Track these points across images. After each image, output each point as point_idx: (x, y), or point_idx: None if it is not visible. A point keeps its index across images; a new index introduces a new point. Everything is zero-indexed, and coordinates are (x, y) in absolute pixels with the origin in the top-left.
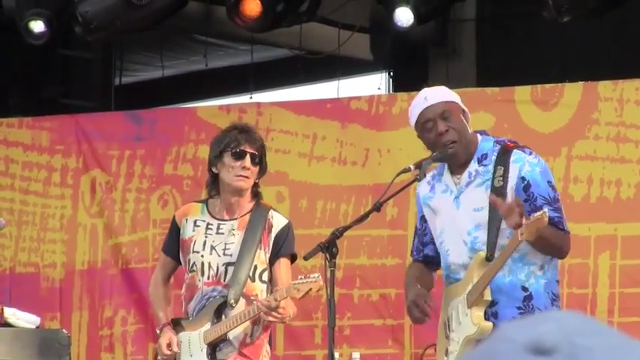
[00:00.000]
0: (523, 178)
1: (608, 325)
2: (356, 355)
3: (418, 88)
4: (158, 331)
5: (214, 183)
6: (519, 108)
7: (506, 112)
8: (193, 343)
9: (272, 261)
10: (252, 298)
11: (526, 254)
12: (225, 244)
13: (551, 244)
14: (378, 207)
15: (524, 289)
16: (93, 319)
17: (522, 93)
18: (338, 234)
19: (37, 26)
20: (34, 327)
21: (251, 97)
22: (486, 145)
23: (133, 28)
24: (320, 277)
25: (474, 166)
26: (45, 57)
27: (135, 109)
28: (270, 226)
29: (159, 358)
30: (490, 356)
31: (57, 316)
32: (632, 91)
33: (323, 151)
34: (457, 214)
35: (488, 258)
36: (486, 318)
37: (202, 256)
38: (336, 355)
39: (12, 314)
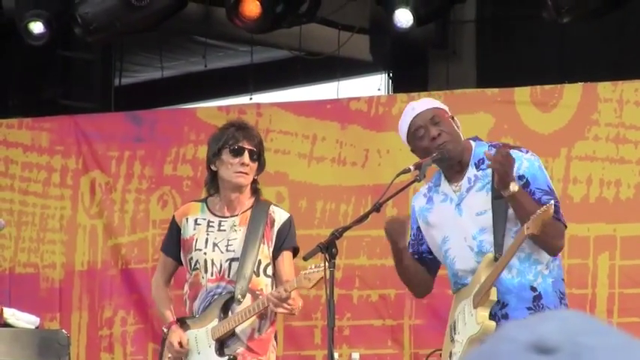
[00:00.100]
0: (522, 177)
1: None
2: (355, 355)
3: (418, 90)
4: (165, 330)
5: (213, 181)
6: (519, 109)
7: (506, 113)
8: (200, 340)
9: (275, 255)
10: (257, 292)
11: (531, 254)
12: (228, 240)
13: (552, 235)
14: (377, 207)
15: (533, 289)
16: (92, 319)
17: (522, 94)
18: (337, 234)
19: (37, 27)
20: (33, 327)
21: (251, 98)
22: (481, 149)
23: (133, 30)
24: (319, 270)
25: (472, 171)
26: (45, 58)
27: (134, 110)
28: (273, 221)
29: (169, 356)
30: (492, 356)
31: (56, 317)
32: (631, 92)
33: (323, 151)
34: (460, 220)
35: (497, 258)
36: (497, 320)
37: (205, 253)
38: (336, 355)
39: (11, 314)
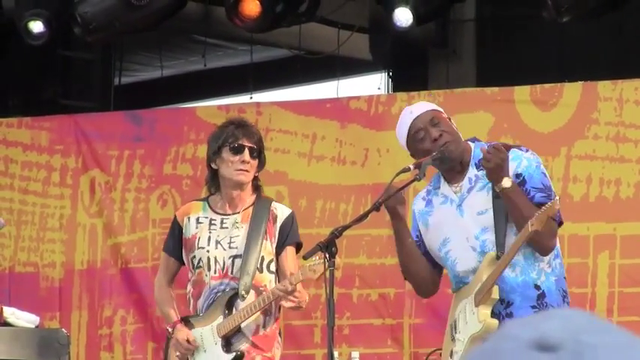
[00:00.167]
0: (518, 175)
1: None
2: (355, 354)
3: (418, 89)
4: (170, 330)
5: (214, 179)
6: (519, 108)
7: (506, 112)
8: (206, 338)
9: (278, 251)
10: (261, 288)
11: (533, 251)
12: (230, 237)
13: (547, 235)
14: (377, 206)
15: (537, 287)
16: (92, 318)
17: (522, 93)
18: (337, 233)
19: (37, 27)
20: (33, 326)
21: (251, 97)
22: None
23: (133, 29)
24: (318, 263)
25: (472, 171)
26: (44, 57)
27: (134, 110)
28: (275, 217)
29: (177, 354)
30: (495, 354)
31: (56, 316)
32: (631, 91)
33: (322, 150)
34: (462, 221)
35: (499, 257)
36: (501, 319)
37: (208, 251)
38: (336, 354)
39: (11, 314)
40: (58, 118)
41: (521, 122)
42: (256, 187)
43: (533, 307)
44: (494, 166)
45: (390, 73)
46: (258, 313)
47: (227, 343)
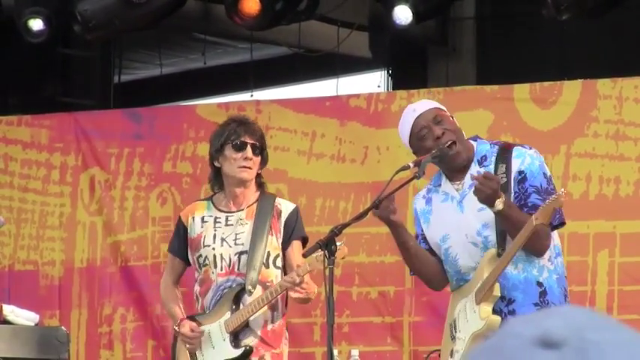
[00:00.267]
0: (520, 172)
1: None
2: (355, 352)
3: (417, 86)
4: (176, 328)
5: (217, 178)
6: (518, 106)
7: (506, 110)
8: (214, 334)
9: (284, 246)
10: (267, 284)
11: None
12: (236, 234)
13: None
14: (377, 204)
15: (540, 284)
16: (92, 316)
17: (521, 91)
18: (337, 231)
19: (36, 25)
20: (33, 324)
21: (252, 95)
22: (483, 147)
23: (132, 27)
24: (343, 244)
25: (475, 168)
26: (44, 55)
27: (134, 107)
28: (279, 212)
29: (187, 346)
30: (498, 351)
31: (56, 314)
32: (631, 89)
33: (322, 148)
34: (462, 217)
35: (500, 254)
36: (503, 317)
37: (214, 248)
38: (335, 352)
39: (11, 312)
40: (58, 116)
41: (521, 120)
42: (260, 184)
43: (536, 304)
44: (486, 197)
45: (390, 71)
46: (266, 307)
47: (235, 338)
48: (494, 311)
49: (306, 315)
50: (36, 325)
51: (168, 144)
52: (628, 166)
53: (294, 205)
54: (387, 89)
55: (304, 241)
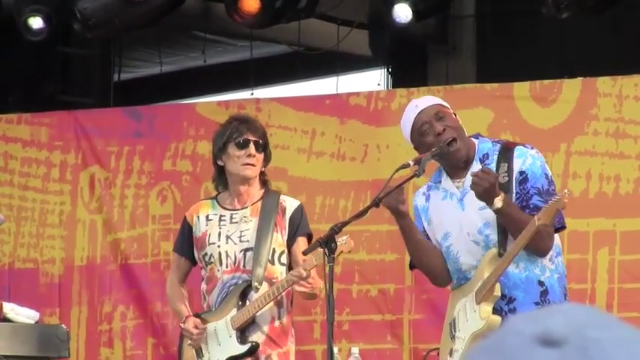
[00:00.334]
0: (522, 172)
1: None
2: (355, 350)
3: (417, 85)
4: (182, 325)
5: (221, 177)
6: (518, 104)
7: (505, 108)
8: (220, 331)
9: (290, 243)
10: (273, 280)
11: None
12: (241, 231)
13: (546, 237)
14: (377, 202)
15: (541, 283)
16: (92, 314)
17: (521, 89)
18: (337, 229)
19: (36, 23)
20: (33, 322)
21: (252, 93)
22: (485, 145)
23: (132, 26)
24: (349, 238)
25: (476, 166)
26: (44, 54)
27: (134, 106)
28: (284, 209)
29: (189, 342)
30: (498, 349)
31: (56, 312)
32: (631, 87)
33: (322, 146)
34: (463, 215)
35: (501, 254)
36: (504, 315)
37: (219, 246)
38: (335, 350)
39: (11, 309)
40: (58, 114)
41: (521, 118)
42: (264, 182)
43: (537, 303)
44: (483, 191)
45: (390, 69)
46: (272, 304)
47: (242, 334)
48: (495, 310)
49: (306, 313)
50: (36, 323)
51: (168, 142)
52: (628, 164)
53: (299, 202)
54: (387, 87)
55: (309, 237)
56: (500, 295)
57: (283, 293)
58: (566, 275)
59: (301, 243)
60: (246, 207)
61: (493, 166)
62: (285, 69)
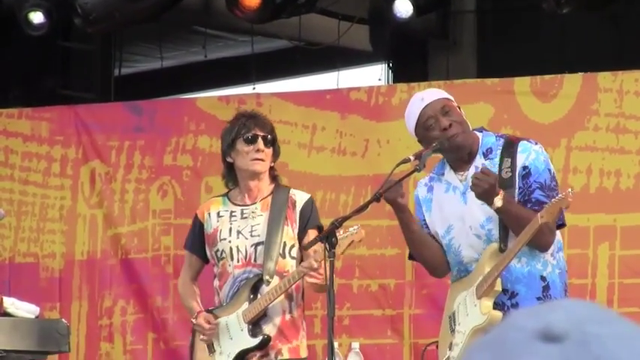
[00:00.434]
0: (525, 167)
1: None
2: (355, 345)
3: (418, 80)
4: (194, 321)
5: (231, 173)
6: (519, 99)
7: (506, 103)
8: (232, 325)
9: (300, 236)
10: (284, 274)
11: None
12: (251, 226)
13: (547, 232)
14: (377, 197)
15: (543, 278)
16: (92, 309)
17: (522, 84)
18: (337, 224)
19: (37, 17)
20: (33, 317)
21: (254, 88)
22: (489, 139)
23: (133, 20)
24: (360, 227)
25: (480, 160)
26: (45, 48)
27: (134, 100)
28: (294, 202)
29: (201, 337)
30: (499, 344)
31: (56, 306)
32: (631, 82)
33: (322, 141)
34: (466, 208)
35: (502, 249)
36: (506, 310)
37: (230, 241)
38: (336, 345)
39: (11, 304)
40: (58, 109)
41: (522, 113)
42: (274, 177)
43: (539, 298)
44: (483, 192)
45: (391, 64)
46: (283, 297)
47: (253, 328)
48: (497, 304)
49: (306, 307)
50: (36, 317)
51: (169, 137)
52: (628, 159)
53: (309, 195)
54: (388, 82)
55: (320, 229)
56: (501, 290)
57: (293, 287)
58: (566, 271)
59: (312, 235)
60: (257, 202)
61: (497, 161)
62: (286, 64)
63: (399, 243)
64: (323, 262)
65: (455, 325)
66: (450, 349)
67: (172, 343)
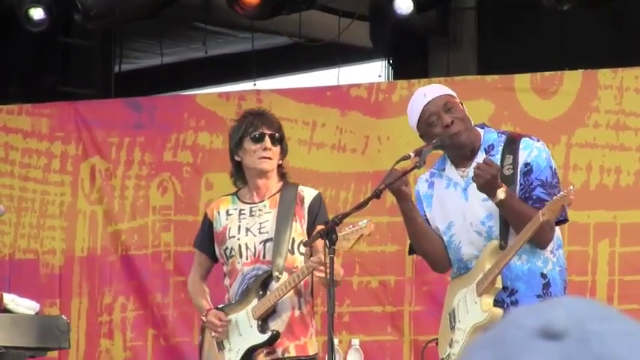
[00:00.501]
0: (527, 164)
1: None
2: (355, 341)
3: (418, 77)
4: (204, 319)
5: (239, 172)
6: (519, 96)
7: (506, 100)
8: (241, 322)
9: (309, 232)
10: (293, 270)
11: None
12: (260, 223)
13: (547, 229)
14: (377, 194)
15: (544, 276)
16: (92, 305)
17: (522, 81)
18: (337, 221)
19: (37, 13)
20: (33, 313)
21: (254, 85)
22: (491, 136)
23: (133, 16)
24: (369, 221)
25: (482, 157)
26: (45, 44)
27: (134, 97)
28: (302, 199)
29: (212, 334)
30: (499, 342)
31: (56, 303)
32: (631, 79)
33: (323, 138)
34: (466, 205)
35: (502, 246)
36: (505, 307)
37: (239, 239)
38: (336, 341)
39: (11, 300)
40: (59, 105)
41: (522, 110)
42: (282, 175)
43: (539, 295)
44: (485, 182)
45: (391, 61)
46: (292, 293)
47: (262, 324)
48: (496, 301)
49: None
50: (36, 314)
51: (169, 133)
52: (628, 156)
53: (317, 192)
54: (388, 79)
55: None
56: (501, 287)
57: (301, 283)
58: (566, 268)
59: None
60: (265, 199)
61: (498, 157)
62: (286, 60)
63: (399, 240)
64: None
65: (455, 322)
66: (450, 347)
67: (172, 339)
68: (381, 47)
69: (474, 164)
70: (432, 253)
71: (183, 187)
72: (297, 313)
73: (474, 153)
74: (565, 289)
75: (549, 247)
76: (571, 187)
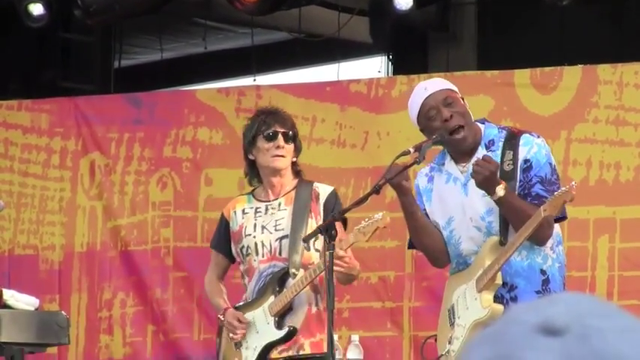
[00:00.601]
0: (527, 160)
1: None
2: (355, 337)
3: (418, 72)
4: (221, 318)
5: (253, 170)
6: (519, 91)
7: (506, 96)
8: (258, 319)
9: None
10: (309, 266)
11: None
12: (276, 220)
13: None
14: (377, 189)
15: (543, 272)
16: (92, 301)
17: (522, 76)
18: (337, 216)
19: (37, 9)
20: (32, 309)
21: (254, 80)
22: (491, 131)
23: (132, 12)
24: (384, 214)
25: (482, 152)
26: (44, 40)
27: (134, 92)
28: (317, 195)
29: (231, 335)
30: (500, 338)
31: (56, 298)
32: (631, 75)
33: (322, 133)
34: (466, 200)
35: (502, 242)
36: (505, 303)
37: (254, 237)
38: (335, 337)
39: (11, 296)
40: (58, 101)
41: (522, 105)
42: (297, 172)
43: (538, 292)
44: (484, 179)
45: (391, 57)
46: (309, 289)
47: (279, 320)
48: (496, 297)
49: None
50: (36, 309)
51: (169, 129)
52: (628, 151)
53: (332, 188)
54: (388, 74)
55: (344, 221)
56: (501, 283)
57: (317, 280)
58: (565, 265)
59: (337, 227)
60: (280, 197)
61: (498, 153)
62: (286, 56)
63: (398, 235)
64: (349, 250)
65: (454, 318)
66: (449, 343)
67: (172, 335)
68: (381, 43)
69: (474, 160)
70: (432, 247)
71: (183, 183)
72: (313, 309)
73: (474, 148)
74: (564, 285)
75: (549, 244)
76: (573, 183)
